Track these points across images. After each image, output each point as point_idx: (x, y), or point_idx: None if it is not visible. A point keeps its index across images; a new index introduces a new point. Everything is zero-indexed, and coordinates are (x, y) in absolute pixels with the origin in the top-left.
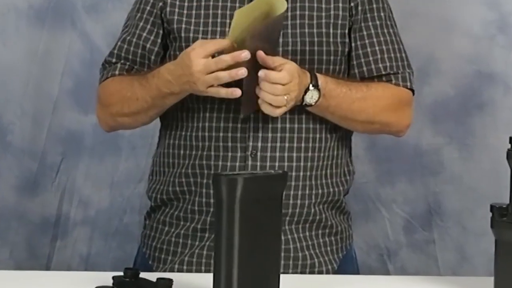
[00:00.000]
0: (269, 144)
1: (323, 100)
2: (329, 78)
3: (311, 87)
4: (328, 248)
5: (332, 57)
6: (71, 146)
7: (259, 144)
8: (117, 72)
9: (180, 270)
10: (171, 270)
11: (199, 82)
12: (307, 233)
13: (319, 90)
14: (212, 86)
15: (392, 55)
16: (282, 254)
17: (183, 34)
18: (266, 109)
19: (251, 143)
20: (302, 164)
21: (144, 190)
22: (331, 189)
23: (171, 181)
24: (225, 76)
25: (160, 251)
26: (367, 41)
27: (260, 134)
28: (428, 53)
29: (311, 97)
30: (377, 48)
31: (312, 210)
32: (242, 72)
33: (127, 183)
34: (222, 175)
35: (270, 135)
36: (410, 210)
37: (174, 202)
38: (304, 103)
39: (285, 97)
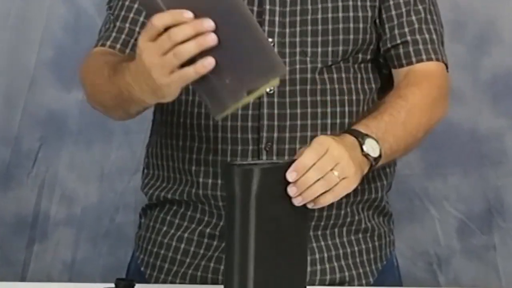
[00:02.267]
0: (287, 134)
1: (382, 143)
2: (363, 121)
3: (361, 140)
4: (364, 258)
5: (361, 25)
6: (52, 130)
7: (275, 135)
8: (108, 42)
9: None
10: (171, 282)
11: (154, 69)
12: (337, 240)
13: (369, 136)
14: (173, 73)
15: (422, 16)
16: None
17: None
18: (325, 200)
19: (265, 134)
20: None
21: (140, 183)
22: (367, 185)
23: (171, 177)
24: (189, 46)
25: (156, 256)
26: (391, 2)
27: (275, 123)
28: (487, 18)
29: (373, 148)
30: (403, 9)
31: (343, 211)
32: (212, 38)
33: (119, 174)
34: (234, 165)
35: (288, 123)
36: (466, 208)
37: (175, 202)
38: (373, 161)
39: (336, 173)
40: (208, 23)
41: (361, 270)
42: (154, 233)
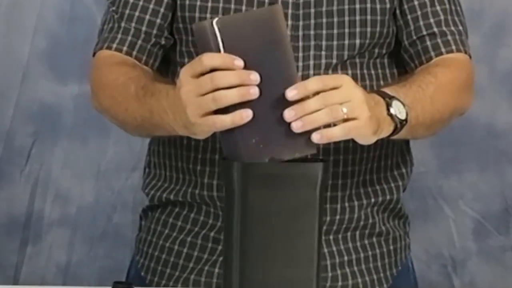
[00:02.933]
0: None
1: (408, 110)
2: (393, 85)
3: (388, 100)
4: (379, 263)
5: (379, 17)
6: (45, 125)
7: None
8: (114, 45)
9: None
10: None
11: (190, 107)
12: (350, 245)
13: (396, 98)
14: (207, 114)
15: (447, 6)
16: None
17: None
18: (332, 133)
19: None
20: (341, 157)
21: (139, 181)
22: (382, 186)
23: (174, 177)
24: (230, 95)
25: (156, 260)
26: None
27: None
28: (504, 5)
29: (399, 110)
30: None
31: (356, 215)
32: (255, 92)
33: (117, 172)
34: (233, 160)
35: None
36: (482, 208)
37: (178, 203)
38: (398, 124)
39: (344, 109)
40: (255, 77)
41: (375, 276)
42: (155, 236)
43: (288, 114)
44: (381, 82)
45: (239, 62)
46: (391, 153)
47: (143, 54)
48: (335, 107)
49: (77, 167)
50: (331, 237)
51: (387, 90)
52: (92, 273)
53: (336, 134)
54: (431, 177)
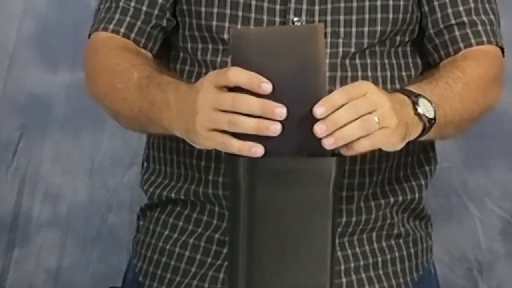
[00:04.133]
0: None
1: (436, 108)
2: (418, 82)
3: (414, 98)
4: (398, 268)
5: (402, 2)
6: (34, 117)
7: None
8: (111, 26)
9: None
10: None
11: (201, 116)
12: (367, 247)
13: (423, 96)
14: (215, 131)
15: None
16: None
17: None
18: (361, 146)
19: None
20: (357, 156)
21: (136, 177)
22: (402, 185)
23: (175, 173)
24: (247, 124)
25: (156, 264)
26: None
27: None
28: None
29: (426, 109)
30: None
31: (374, 215)
32: (276, 129)
33: (112, 168)
34: (238, 156)
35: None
36: (511, 206)
37: (179, 201)
38: (426, 123)
39: (375, 118)
40: (280, 112)
41: (394, 282)
42: (155, 237)
43: (320, 129)
44: (403, 73)
45: (267, 87)
46: (413, 150)
47: (142, 36)
48: (367, 118)
49: (69, 162)
50: (345, 239)
51: (412, 88)
52: (85, 278)
53: (364, 146)
54: (455, 172)
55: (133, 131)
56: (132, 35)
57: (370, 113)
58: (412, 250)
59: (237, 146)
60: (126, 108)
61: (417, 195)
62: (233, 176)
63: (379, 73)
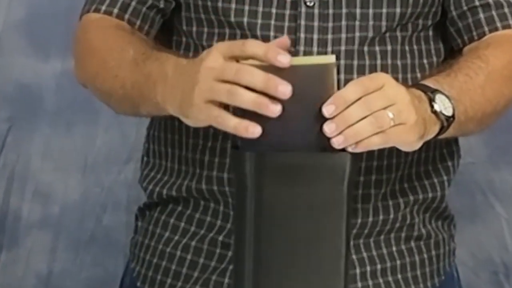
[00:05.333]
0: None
1: (456, 104)
2: (436, 77)
3: (431, 95)
4: (418, 272)
5: None
6: (23, 109)
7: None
8: (103, 7)
9: None
10: None
11: (200, 85)
12: (385, 250)
13: (441, 92)
14: (214, 104)
15: None
16: (343, 283)
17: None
18: (375, 142)
19: None
20: (375, 151)
21: (134, 175)
22: (423, 183)
23: (176, 169)
24: (246, 97)
25: (155, 268)
26: None
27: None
28: None
29: (444, 105)
30: None
31: (392, 216)
32: (274, 109)
33: (107, 164)
34: (245, 150)
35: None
36: None
37: (181, 200)
38: (444, 121)
39: (390, 114)
40: (284, 90)
41: None
42: (154, 239)
43: (329, 128)
44: (424, 60)
45: (284, 60)
46: (434, 144)
47: (137, 17)
48: (380, 114)
49: (61, 158)
50: (361, 241)
51: (428, 82)
52: (78, 284)
53: (375, 142)
54: (480, 169)
55: (125, 115)
56: (126, 16)
57: (385, 108)
58: (433, 253)
59: (233, 123)
60: (117, 85)
61: (439, 193)
62: (239, 172)
63: (399, 61)
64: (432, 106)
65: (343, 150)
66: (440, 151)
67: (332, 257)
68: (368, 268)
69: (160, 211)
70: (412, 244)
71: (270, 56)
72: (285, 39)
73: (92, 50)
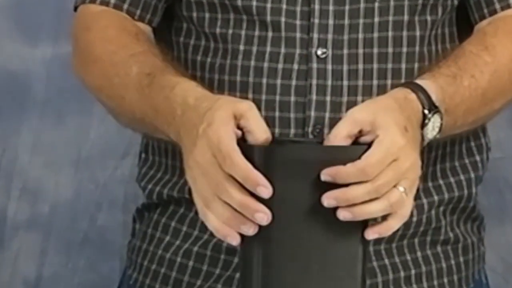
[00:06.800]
0: (342, 114)
1: (447, 119)
2: (440, 77)
3: (429, 114)
4: (445, 280)
5: None
6: (10, 98)
7: (327, 115)
8: None
9: None
10: None
11: (195, 157)
12: (409, 256)
13: (437, 109)
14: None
15: None
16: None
17: None
18: (386, 230)
19: (312, 113)
20: None
21: (131, 170)
22: (448, 180)
23: (178, 167)
24: (234, 196)
25: (154, 276)
26: None
27: (328, 98)
28: None
29: (432, 128)
30: None
31: (415, 218)
32: (263, 217)
33: (102, 159)
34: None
35: (344, 99)
36: None
37: (183, 201)
38: (425, 142)
39: (401, 188)
40: (261, 217)
41: None
42: (153, 244)
43: (327, 202)
44: (447, 45)
45: (263, 191)
46: (460, 135)
47: (136, 7)
48: (393, 194)
49: (51, 152)
50: (382, 247)
51: (434, 90)
52: None
53: (394, 227)
54: (510, 164)
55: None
56: (125, 6)
57: (396, 185)
58: (461, 259)
59: (213, 225)
60: (126, 109)
61: (465, 191)
62: None
63: (417, 48)
64: (422, 128)
65: (359, 143)
66: (467, 145)
67: (348, 261)
68: (391, 276)
69: (160, 213)
70: (439, 249)
71: (249, 186)
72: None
73: (93, 58)
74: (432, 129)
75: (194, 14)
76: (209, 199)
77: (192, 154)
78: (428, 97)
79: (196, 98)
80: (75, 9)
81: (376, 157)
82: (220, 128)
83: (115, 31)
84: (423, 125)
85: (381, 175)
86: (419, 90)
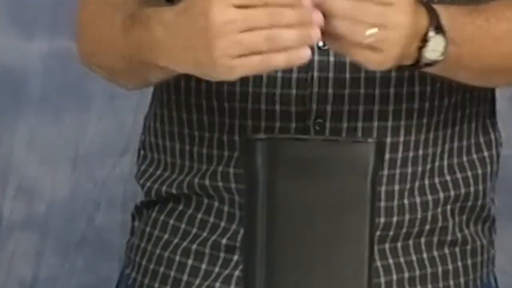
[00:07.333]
0: (345, 107)
1: (452, 48)
2: (453, 8)
3: (431, 33)
4: (451, 282)
5: None
6: (5, 94)
7: (328, 108)
8: None
9: None
10: None
11: (222, 42)
12: (414, 257)
13: (444, 33)
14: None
15: None
16: None
17: None
18: (340, 48)
19: (314, 106)
20: (401, 139)
21: (130, 169)
22: (455, 176)
23: (178, 164)
24: (289, 36)
25: (152, 275)
26: None
27: (330, 91)
28: None
29: (434, 49)
30: None
31: (420, 215)
32: (316, 35)
33: (101, 156)
34: (256, 138)
35: (347, 91)
36: None
37: (182, 198)
38: (422, 62)
39: (372, 31)
40: (318, 17)
41: None
42: (151, 243)
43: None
44: None
45: None
46: (469, 130)
47: None
48: (359, 28)
49: (48, 150)
50: (386, 246)
51: (443, 13)
52: None
53: (335, 48)
54: None
55: (139, 89)
56: None
57: (372, 25)
58: (469, 262)
59: (284, 56)
60: (119, 58)
61: (472, 188)
62: (249, 166)
63: None
64: (421, 47)
65: (367, 140)
66: (475, 139)
67: (353, 262)
68: (395, 277)
69: (158, 211)
70: (446, 250)
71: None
72: None
73: (85, 26)
74: (433, 50)
75: None
76: (268, 39)
77: (210, 19)
78: (436, 17)
79: (174, 13)
80: None
81: None
82: None
83: (109, 7)
84: (424, 42)
85: (367, 6)
86: (431, 10)
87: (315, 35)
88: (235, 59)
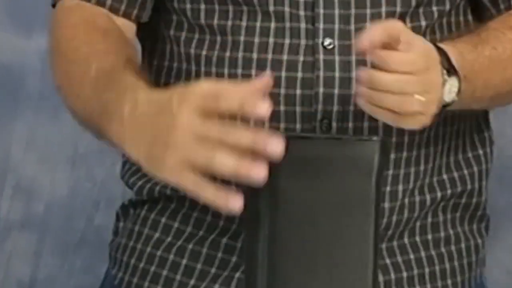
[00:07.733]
0: (351, 107)
1: (466, 86)
2: (460, 44)
3: (445, 76)
4: (449, 282)
5: None
6: (3, 92)
7: (335, 108)
8: None
9: None
10: None
11: (179, 147)
12: (412, 256)
13: (456, 73)
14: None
15: None
16: None
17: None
18: (386, 117)
19: (320, 107)
20: (406, 139)
21: None
22: (451, 175)
23: None
24: (226, 167)
25: (142, 274)
26: None
27: (336, 91)
28: None
29: (450, 90)
30: None
31: (416, 213)
32: (259, 175)
33: (100, 156)
34: None
35: (353, 91)
36: None
37: (175, 197)
38: (440, 105)
39: (419, 97)
40: (276, 147)
41: None
42: (141, 241)
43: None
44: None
45: (262, 110)
46: (463, 129)
47: (121, 3)
48: (409, 99)
49: (46, 149)
50: (383, 245)
51: (452, 55)
52: None
53: (386, 118)
54: None
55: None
56: (109, 2)
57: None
58: (465, 261)
59: (211, 194)
60: (80, 107)
61: (468, 186)
62: None
63: (437, 36)
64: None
65: (371, 138)
66: (470, 138)
67: (358, 263)
68: (393, 276)
69: (148, 209)
70: (443, 249)
71: (246, 110)
72: (266, 79)
73: (57, 55)
74: (449, 92)
75: (188, 6)
76: (207, 158)
77: (177, 120)
78: (447, 59)
79: (148, 99)
80: (54, 5)
81: (419, 52)
82: (197, 89)
83: (83, 26)
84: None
85: (414, 77)
86: (441, 51)
87: (258, 175)
88: (181, 166)
